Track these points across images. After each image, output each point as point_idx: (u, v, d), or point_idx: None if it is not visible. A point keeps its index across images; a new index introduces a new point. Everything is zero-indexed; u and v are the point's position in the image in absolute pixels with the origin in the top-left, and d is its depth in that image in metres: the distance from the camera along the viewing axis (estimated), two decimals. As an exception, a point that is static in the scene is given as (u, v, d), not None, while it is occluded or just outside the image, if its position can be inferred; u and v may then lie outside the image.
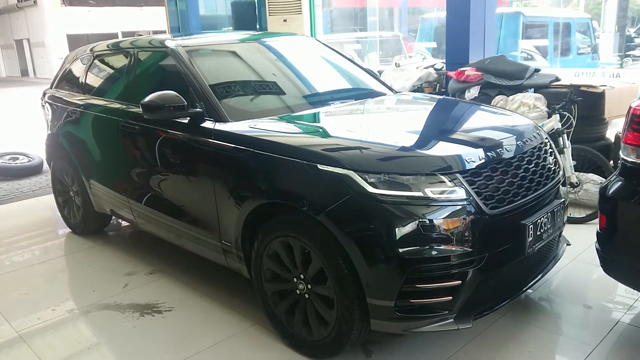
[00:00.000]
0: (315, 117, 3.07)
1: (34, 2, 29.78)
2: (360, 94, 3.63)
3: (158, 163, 3.33)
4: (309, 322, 2.59)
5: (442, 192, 2.26)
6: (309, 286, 2.54)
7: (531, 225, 2.44)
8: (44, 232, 4.73)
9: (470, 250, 2.26)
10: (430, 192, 2.25)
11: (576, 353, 2.59)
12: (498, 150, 2.49)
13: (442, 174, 2.29)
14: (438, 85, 5.88)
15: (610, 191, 2.45)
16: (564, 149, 3.98)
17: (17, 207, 5.58)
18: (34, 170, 7.02)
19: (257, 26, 8.04)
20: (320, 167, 2.38)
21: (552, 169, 2.77)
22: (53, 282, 3.71)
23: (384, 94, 3.66)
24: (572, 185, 4.07)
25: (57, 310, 3.28)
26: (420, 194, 2.24)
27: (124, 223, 4.72)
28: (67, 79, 4.58)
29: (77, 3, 29.03)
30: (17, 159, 7.25)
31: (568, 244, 3.06)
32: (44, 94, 4.83)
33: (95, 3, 29.04)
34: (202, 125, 2.97)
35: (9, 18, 33.64)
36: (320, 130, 2.87)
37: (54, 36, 29.06)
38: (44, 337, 3.00)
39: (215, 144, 2.85)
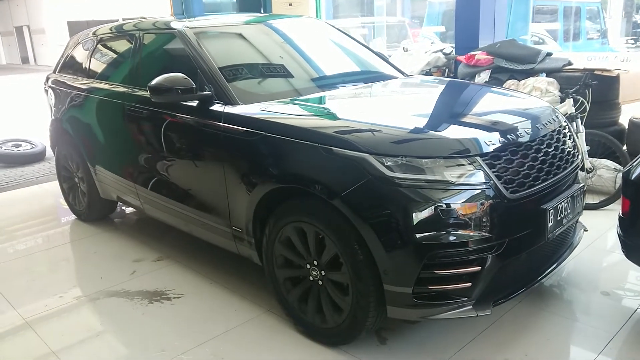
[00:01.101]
0: (327, 100, 3.00)
1: (34, -12, 29.56)
2: (370, 77, 3.55)
3: (165, 147, 3.26)
4: (323, 309, 2.54)
5: (461, 176, 2.19)
6: (323, 272, 2.49)
7: (552, 210, 2.38)
8: (49, 219, 4.68)
9: (489, 235, 2.20)
10: (449, 175, 2.18)
11: (595, 341, 2.53)
12: (517, 133, 2.42)
13: (461, 157, 2.22)
14: (447, 69, 5.78)
15: (634, 175, 2.38)
16: (578, 134, 3.91)
17: (20, 194, 5.52)
18: (37, 157, 6.95)
19: (262, 10, 7.92)
20: (335, 150, 2.32)
21: (572, 152, 2.70)
22: (59, 269, 3.66)
23: (395, 77, 3.58)
24: (586, 171, 4.00)
25: (65, 297, 3.23)
26: (438, 177, 2.17)
27: (130, 209, 4.67)
28: (70, 63, 4.49)
29: (77, -11, 28.78)
30: (20, 145, 7.18)
31: (585, 230, 3.00)
32: (47, 78, 4.75)
33: (95, -11, 28.78)
34: (211, 108, 2.90)
35: (8, 4, 33.37)
36: (334, 113, 2.79)
37: (54, 23, 28.84)
38: (51, 324, 2.96)
39: (225, 127, 2.78)
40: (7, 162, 6.77)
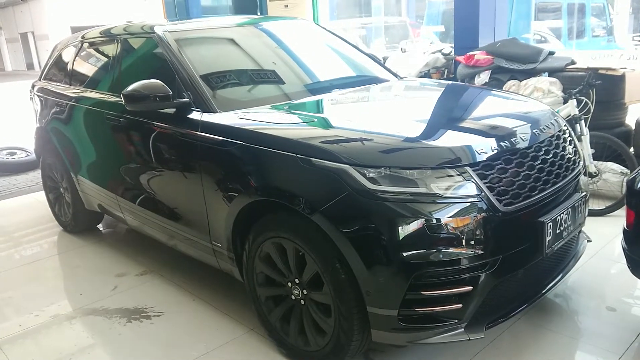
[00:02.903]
0: (311, 106, 2.83)
1: (38, -6, 29.62)
2: (362, 80, 3.38)
3: (144, 158, 3.11)
4: (305, 331, 2.37)
5: (449, 188, 2.01)
6: (305, 292, 2.32)
7: (550, 223, 2.20)
8: (36, 230, 4.55)
9: (482, 252, 2.02)
10: (436, 187, 2.00)
11: (600, 362, 2.35)
12: (512, 139, 2.24)
13: (449, 167, 2.04)
14: (446, 70, 5.60)
15: None
16: (582, 137, 3.73)
17: (11, 204, 5.40)
18: (32, 165, 6.84)
19: (258, 12, 7.78)
20: (314, 161, 2.15)
21: (572, 159, 2.52)
22: (40, 285, 3.52)
23: (387, 80, 3.40)
24: (591, 175, 3.81)
25: (41, 315, 3.08)
26: (425, 190, 2.00)
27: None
28: (55, 70, 4.36)
29: (80, -6, 28.81)
30: (15, 153, 7.07)
31: (589, 241, 2.80)
32: (33, 86, 4.62)
33: (99, -6, 28.80)
34: (189, 116, 2.74)
35: (13, 11, 33.50)
36: (316, 120, 2.62)
37: (58, 28, 28.87)
38: (23, 345, 2.81)
39: (202, 136, 2.62)
40: (2, 171, 6.67)
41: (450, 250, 1.99)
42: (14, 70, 35.25)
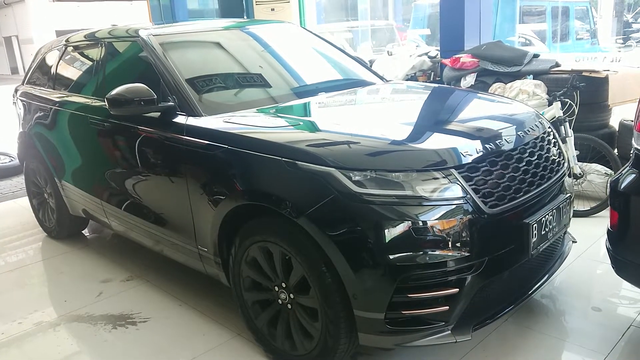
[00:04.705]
0: (297, 109, 2.82)
1: (22, -3, 29.30)
2: (348, 83, 3.38)
3: (129, 162, 3.08)
4: (293, 335, 2.36)
5: (435, 190, 2.01)
6: (291, 296, 2.31)
7: (535, 224, 2.21)
8: (19, 237, 4.48)
9: (468, 254, 2.02)
10: (422, 190, 2.00)
11: (586, 362, 2.36)
12: (497, 141, 2.25)
13: (435, 170, 2.04)
14: (432, 73, 5.63)
15: (623, 185, 2.21)
16: (566, 138, 3.76)
17: (-7, 209, 5.32)
18: (16, 170, 6.74)
19: (245, 16, 7.76)
20: (299, 164, 2.14)
21: (557, 160, 2.53)
22: (23, 291, 3.46)
23: (373, 83, 3.41)
24: (576, 177, 3.84)
25: (24, 323, 3.03)
26: (411, 192, 2.00)
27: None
28: (38, 74, 4.31)
29: (65, -2, 28.57)
30: (-2, 159, 6.99)
31: (574, 242, 2.82)
32: (16, 90, 4.56)
33: (84, -2, 28.59)
34: (174, 120, 2.72)
35: (-4, 15, 33.13)
36: (302, 123, 2.61)
37: (43, 32, 28.57)
38: (7, 354, 2.76)
39: (187, 140, 2.60)
40: (-15, 176, 6.57)
41: (437, 252, 1.99)
42: (-2, 75, 34.81)
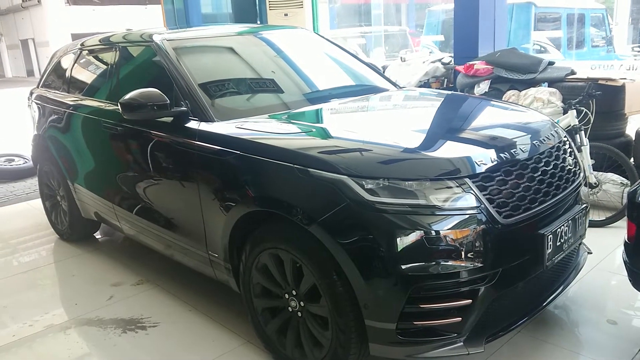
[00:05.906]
0: (310, 116, 2.81)
1: (38, 1, 29.65)
2: (361, 89, 3.36)
3: (141, 166, 3.09)
4: (302, 344, 2.34)
5: (448, 199, 1.99)
6: (302, 304, 2.29)
7: (550, 235, 2.17)
8: (31, 238, 4.51)
9: (481, 265, 1.99)
10: (435, 199, 1.98)
11: (601, 377, 2.32)
12: (512, 150, 2.22)
13: (448, 179, 2.02)
14: (446, 80, 5.59)
15: (641, 196, 2.17)
16: (582, 147, 3.71)
17: (7, 211, 5.37)
18: (30, 172, 6.80)
19: (258, 21, 7.78)
20: (312, 171, 2.12)
21: (572, 170, 2.49)
22: (35, 294, 3.48)
23: (386, 90, 3.39)
24: (591, 186, 3.79)
25: (35, 325, 3.04)
26: (424, 201, 1.97)
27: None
28: (53, 77, 4.35)
29: (81, 2, 28.86)
30: (13, 160, 7.06)
31: (589, 253, 2.78)
32: (31, 93, 4.61)
33: (99, 2, 28.89)
34: (186, 125, 2.72)
35: (14, 18, 33.58)
36: (314, 130, 2.60)
37: (59, 35, 28.92)
38: (16, 356, 2.77)
39: (199, 145, 2.60)
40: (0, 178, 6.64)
41: (449, 262, 1.96)
42: (14, 77, 35.27)
